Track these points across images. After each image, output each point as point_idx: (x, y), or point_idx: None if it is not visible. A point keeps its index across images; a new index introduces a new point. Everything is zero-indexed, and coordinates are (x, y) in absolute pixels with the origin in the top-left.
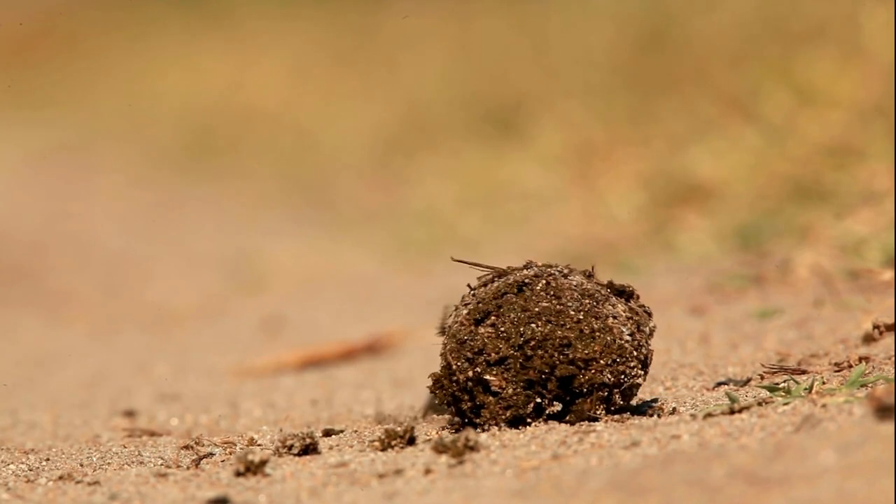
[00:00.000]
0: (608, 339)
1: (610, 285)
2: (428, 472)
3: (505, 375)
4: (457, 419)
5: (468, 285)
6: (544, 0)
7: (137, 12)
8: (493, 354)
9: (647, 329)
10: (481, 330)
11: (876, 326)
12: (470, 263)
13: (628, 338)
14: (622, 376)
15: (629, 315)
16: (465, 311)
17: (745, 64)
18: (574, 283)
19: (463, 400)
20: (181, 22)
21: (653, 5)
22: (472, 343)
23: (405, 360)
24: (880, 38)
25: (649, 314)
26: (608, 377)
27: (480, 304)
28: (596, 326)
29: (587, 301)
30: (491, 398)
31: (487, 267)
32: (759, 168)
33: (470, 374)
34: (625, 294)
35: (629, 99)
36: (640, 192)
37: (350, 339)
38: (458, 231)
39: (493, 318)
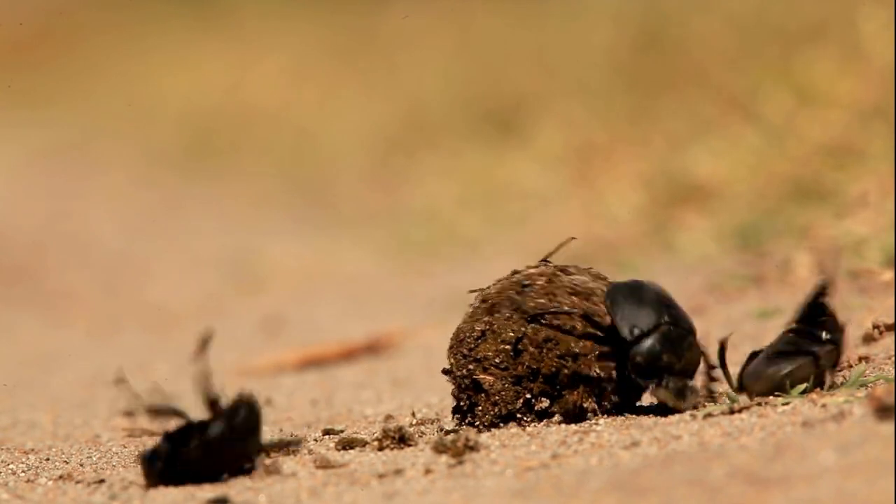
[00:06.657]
0: (599, 334)
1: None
2: (428, 472)
3: (494, 372)
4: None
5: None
6: (544, 0)
7: (137, 12)
8: (483, 352)
9: None
10: (477, 327)
11: (876, 326)
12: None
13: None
14: (613, 371)
15: None
16: (470, 309)
17: (745, 64)
18: (576, 281)
19: (461, 398)
20: (181, 22)
21: (652, 5)
22: (468, 340)
23: (405, 360)
24: (880, 38)
25: None
26: (596, 371)
27: (483, 303)
28: (588, 324)
29: (583, 299)
30: (482, 395)
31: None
32: (759, 168)
33: (465, 371)
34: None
35: (629, 99)
36: (640, 192)
37: (350, 339)
38: (458, 231)
39: (489, 315)
